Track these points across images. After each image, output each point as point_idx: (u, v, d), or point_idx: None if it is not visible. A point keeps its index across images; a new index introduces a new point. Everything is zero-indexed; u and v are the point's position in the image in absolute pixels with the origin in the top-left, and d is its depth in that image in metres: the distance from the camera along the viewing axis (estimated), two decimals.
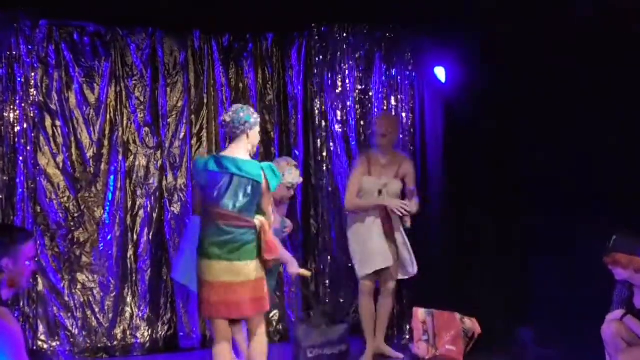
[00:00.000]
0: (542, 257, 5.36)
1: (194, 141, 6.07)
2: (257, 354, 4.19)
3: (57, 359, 5.58)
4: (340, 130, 6.20)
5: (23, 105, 5.56)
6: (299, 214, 6.20)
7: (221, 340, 4.12)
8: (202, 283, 4.10)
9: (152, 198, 5.93)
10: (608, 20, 4.74)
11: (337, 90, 6.18)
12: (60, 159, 5.74)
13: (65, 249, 5.69)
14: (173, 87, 6.05)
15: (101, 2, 5.62)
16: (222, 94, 6.11)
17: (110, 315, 5.75)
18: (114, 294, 5.77)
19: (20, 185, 5.52)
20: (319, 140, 6.18)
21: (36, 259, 5.41)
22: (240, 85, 6.20)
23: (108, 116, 5.88)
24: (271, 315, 6.16)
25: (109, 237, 5.79)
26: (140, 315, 5.82)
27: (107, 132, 5.87)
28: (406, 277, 5.41)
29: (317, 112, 6.19)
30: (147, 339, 5.82)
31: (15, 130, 5.54)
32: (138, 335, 5.81)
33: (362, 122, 6.18)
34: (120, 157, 5.87)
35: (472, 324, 5.20)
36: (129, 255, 5.84)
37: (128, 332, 5.79)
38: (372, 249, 5.22)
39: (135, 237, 5.88)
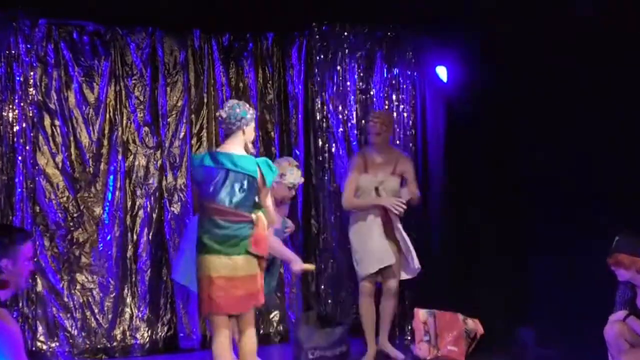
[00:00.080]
0: (542, 257, 5.36)
1: (194, 141, 6.05)
2: (248, 351, 4.18)
3: None
4: (341, 129, 6.20)
5: (22, 104, 5.54)
6: (300, 214, 6.19)
7: (221, 338, 4.10)
8: (202, 279, 4.09)
9: (152, 198, 5.91)
10: (608, 20, 4.73)
11: (338, 90, 6.17)
12: (59, 158, 5.73)
13: (64, 249, 5.67)
14: (173, 87, 6.03)
15: (101, 1, 5.61)
16: (222, 94, 6.10)
17: (110, 316, 5.73)
18: (114, 294, 5.75)
19: (19, 185, 5.50)
20: (319, 140, 6.17)
21: (35, 260, 5.41)
22: (241, 84, 6.19)
23: (107, 116, 5.86)
24: (271, 316, 6.16)
25: (108, 238, 5.78)
26: (140, 316, 5.80)
27: (106, 131, 5.85)
28: (410, 277, 5.40)
29: (317, 111, 6.18)
30: (147, 339, 5.81)
31: (14, 129, 5.52)
32: (138, 336, 5.79)
33: (363, 122, 6.17)
34: (120, 157, 5.85)
35: (474, 325, 5.19)
36: (128, 256, 5.82)
37: (128, 333, 5.77)
38: (372, 249, 5.22)
39: (134, 237, 5.86)
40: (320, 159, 6.18)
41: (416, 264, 5.30)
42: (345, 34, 6.14)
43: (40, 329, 5.56)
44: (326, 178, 6.14)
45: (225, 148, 4.15)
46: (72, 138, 5.75)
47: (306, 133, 6.23)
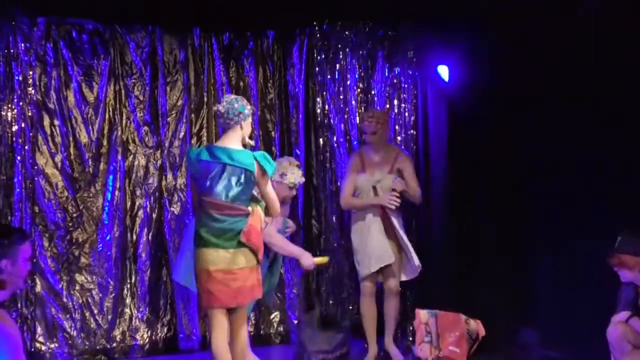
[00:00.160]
0: (543, 257, 5.36)
1: (194, 140, 6.03)
2: (239, 352, 4.16)
3: None
4: (342, 129, 6.18)
5: (21, 104, 5.53)
6: (301, 214, 6.18)
7: (219, 332, 4.10)
8: (200, 272, 4.09)
9: (152, 198, 5.89)
10: (608, 20, 4.73)
11: (339, 89, 6.16)
12: (58, 158, 5.70)
13: (63, 250, 5.66)
14: (173, 86, 6.01)
15: (100, 0, 5.59)
16: (223, 93, 6.06)
17: (109, 317, 5.71)
18: (113, 295, 5.73)
19: (18, 185, 5.48)
20: (320, 140, 6.16)
21: (34, 260, 5.39)
22: (241, 83, 6.17)
23: (107, 115, 5.84)
24: (272, 316, 6.15)
25: (107, 238, 5.76)
26: (140, 316, 5.79)
27: (106, 131, 5.83)
28: (412, 277, 5.39)
29: (318, 110, 6.17)
30: (147, 340, 5.79)
31: (13, 129, 5.50)
32: (137, 336, 5.78)
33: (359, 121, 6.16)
34: (119, 157, 5.83)
35: (476, 326, 5.18)
36: (128, 256, 5.81)
37: (127, 334, 5.75)
38: (372, 249, 5.21)
39: (134, 237, 5.84)
40: (321, 158, 6.17)
41: (416, 261, 5.29)
42: (347, 32, 6.13)
43: (39, 329, 5.54)
44: (327, 178, 6.13)
45: (223, 142, 4.16)
46: (71, 138, 5.73)
47: (307, 132, 6.21)
